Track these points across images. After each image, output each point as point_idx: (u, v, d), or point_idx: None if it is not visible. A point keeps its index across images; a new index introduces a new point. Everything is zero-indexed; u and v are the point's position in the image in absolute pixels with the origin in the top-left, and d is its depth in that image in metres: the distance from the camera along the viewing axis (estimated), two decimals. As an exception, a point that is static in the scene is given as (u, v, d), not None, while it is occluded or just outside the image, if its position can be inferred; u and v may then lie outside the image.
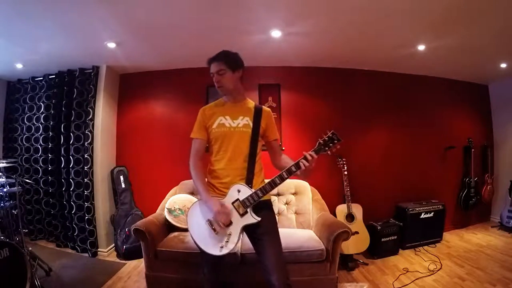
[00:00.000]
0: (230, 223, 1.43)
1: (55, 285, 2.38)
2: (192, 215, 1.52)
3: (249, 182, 1.49)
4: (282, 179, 1.43)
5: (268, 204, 1.59)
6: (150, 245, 2.22)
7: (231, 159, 1.51)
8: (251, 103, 1.65)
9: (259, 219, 1.43)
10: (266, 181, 1.56)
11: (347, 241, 2.30)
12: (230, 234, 1.42)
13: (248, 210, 1.44)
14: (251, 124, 1.55)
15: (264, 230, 1.47)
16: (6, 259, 1.93)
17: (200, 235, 1.46)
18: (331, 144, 1.44)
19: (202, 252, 1.46)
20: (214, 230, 1.44)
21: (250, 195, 1.43)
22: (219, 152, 1.54)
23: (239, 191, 1.46)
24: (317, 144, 1.45)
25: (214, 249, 1.42)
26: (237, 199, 1.45)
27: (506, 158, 3.96)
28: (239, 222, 1.43)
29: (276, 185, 1.43)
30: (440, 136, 3.74)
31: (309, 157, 1.38)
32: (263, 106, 1.64)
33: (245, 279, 2.14)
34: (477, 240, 3.39)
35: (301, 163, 1.39)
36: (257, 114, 1.58)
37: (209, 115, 1.58)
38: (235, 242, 1.41)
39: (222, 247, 1.41)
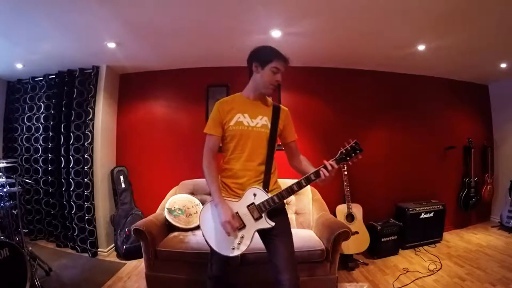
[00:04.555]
0: (244, 226, 1.41)
1: (55, 285, 2.38)
2: (205, 215, 1.50)
3: (265, 185, 1.46)
4: (300, 187, 1.38)
5: (283, 208, 1.56)
6: (150, 245, 2.22)
7: (248, 159, 1.46)
8: (270, 101, 1.59)
9: (273, 224, 1.39)
10: (279, 181, 1.53)
11: (347, 241, 2.29)
12: (242, 237, 1.40)
13: (263, 215, 1.40)
14: (269, 125, 1.49)
15: (277, 232, 1.44)
16: (6, 259, 1.93)
17: (212, 236, 1.45)
18: (353, 154, 1.36)
19: (213, 252, 1.45)
20: (227, 232, 1.42)
21: (266, 200, 1.40)
22: (234, 151, 1.48)
23: (255, 195, 1.42)
24: (339, 153, 1.38)
25: (226, 250, 1.41)
26: (253, 203, 1.41)
27: (506, 158, 3.96)
28: (252, 226, 1.41)
29: (293, 192, 1.39)
30: (440, 136, 3.74)
31: (329, 167, 1.32)
32: (281, 105, 1.59)
33: (245, 279, 2.14)
34: (477, 240, 3.39)
35: (321, 172, 1.34)
36: (275, 114, 1.53)
37: (227, 111, 1.49)
38: (247, 244, 1.40)
39: (233, 248, 1.40)
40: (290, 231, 1.53)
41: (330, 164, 1.33)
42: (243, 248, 1.39)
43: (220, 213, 1.40)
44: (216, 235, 1.44)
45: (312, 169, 1.41)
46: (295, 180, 1.40)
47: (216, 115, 1.50)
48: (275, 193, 1.40)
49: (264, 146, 1.48)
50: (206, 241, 1.45)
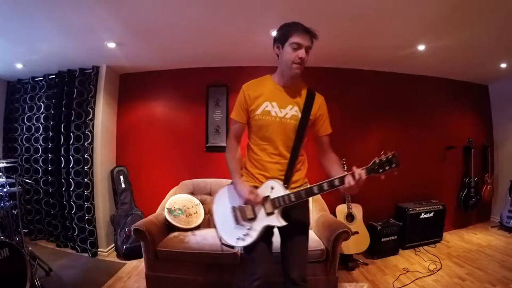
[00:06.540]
0: (254, 217, 1.33)
1: (55, 285, 2.38)
2: (218, 198, 1.47)
3: (286, 181, 1.35)
4: (321, 191, 1.24)
5: (306, 202, 1.45)
6: (150, 245, 2.22)
7: (274, 152, 1.38)
8: (304, 86, 1.42)
9: (284, 223, 1.29)
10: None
11: (347, 241, 2.30)
12: (250, 229, 1.33)
13: (276, 211, 1.30)
14: (299, 115, 1.36)
15: (293, 230, 1.37)
16: (6, 259, 1.93)
17: (221, 220, 1.42)
18: (387, 168, 1.18)
19: (254, 250, 1.36)
20: (236, 219, 1.38)
21: (282, 197, 1.29)
22: (261, 142, 1.40)
23: (272, 188, 1.33)
24: (372, 163, 1.20)
25: (231, 239, 1.37)
26: (268, 196, 1.32)
27: (506, 158, 3.96)
28: (262, 220, 1.32)
29: (313, 194, 1.26)
30: (440, 136, 3.74)
31: (357, 176, 1.16)
32: (317, 93, 1.44)
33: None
34: (477, 240, 3.39)
35: (346, 180, 1.18)
36: (309, 102, 1.38)
37: (254, 97, 1.37)
38: (254, 238, 1.32)
39: (238, 239, 1.34)
40: (308, 229, 1.49)
41: (359, 174, 1.17)
42: (248, 241, 1.32)
43: (239, 191, 1.35)
44: (224, 220, 1.40)
45: (339, 173, 1.27)
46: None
47: (241, 101, 1.40)
48: (293, 191, 1.29)
49: (291, 138, 1.37)
50: (215, 225, 1.44)
